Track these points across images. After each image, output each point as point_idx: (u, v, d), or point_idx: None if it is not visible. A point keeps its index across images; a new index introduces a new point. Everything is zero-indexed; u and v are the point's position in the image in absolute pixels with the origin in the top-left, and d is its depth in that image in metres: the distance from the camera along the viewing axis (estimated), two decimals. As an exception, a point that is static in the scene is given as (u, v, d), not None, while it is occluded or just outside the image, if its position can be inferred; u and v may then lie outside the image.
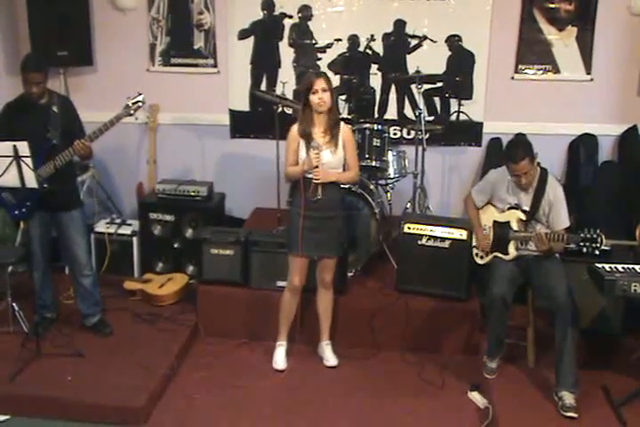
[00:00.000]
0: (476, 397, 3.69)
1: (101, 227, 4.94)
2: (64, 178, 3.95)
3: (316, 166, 3.62)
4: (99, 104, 5.05)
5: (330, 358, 4.02)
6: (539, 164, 3.78)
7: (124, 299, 4.64)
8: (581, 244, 3.43)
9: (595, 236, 3.39)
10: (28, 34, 4.92)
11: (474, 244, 4.06)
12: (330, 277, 3.92)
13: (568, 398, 3.50)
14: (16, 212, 3.85)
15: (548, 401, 3.59)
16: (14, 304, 4.09)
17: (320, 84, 3.63)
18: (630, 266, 3.44)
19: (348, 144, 3.79)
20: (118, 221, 5.02)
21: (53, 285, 4.28)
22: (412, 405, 3.69)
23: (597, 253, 3.41)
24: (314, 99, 3.64)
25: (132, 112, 3.97)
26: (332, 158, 3.72)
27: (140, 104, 3.99)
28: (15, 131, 3.73)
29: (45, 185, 3.79)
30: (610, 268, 3.41)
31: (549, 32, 5.14)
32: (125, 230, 4.93)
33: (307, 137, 3.68)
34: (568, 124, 5.22)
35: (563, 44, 5.15)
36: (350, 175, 3.83)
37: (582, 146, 5.20)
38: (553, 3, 5.08)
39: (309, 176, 3.67)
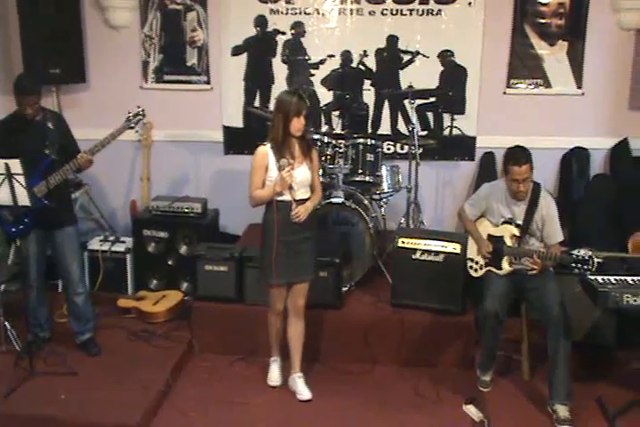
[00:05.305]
0: (471, 410, 3.68)
1: (95, 244, 4.92)
2: (61, 194, 3.96)
3: (290, 186, 3.54)
4: (92, 121, 5.08)
5: (303, 391, 3.80)
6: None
7: (118, 316, 4.61)
8: (573, 265, 3.43)
9: (587, 258, 3.38)
10: (20, 51, 4.93)
11: (468, 256, 4.06)
12: (302, 302, 3.77)
13: (562, 410, 3.51)
14: (13, 229, 3.84)
15: (544, 414, 3.59)
16: (7, 323, 4.06)
17: (305, 109, 3.54)
18: (622, 277, 3.44)
19: (315, 165, 3.73)
20: (112, 238, 5.00)
21: (47, 303, 4.25)
22: (408, 419, 3.66)
23: (589, 274, 3.41)
24: (297, 124, 3.53)
25: (132, 125, 4.09)
26: (308, 175, 3.62)
27: (141, 117, 4.10)
28: (12, 148, 3.72)
29: (45, 202, 3.79)
30: (603, 280, 3.42)
31: (540, 47, 5.20)
32: (119, 248, 4.91)
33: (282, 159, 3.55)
34: (560, 137, 5.27)
35: (554, 58, 5.21)
36: (319, 198, 3.79)
37: (574, 159, 5.25)
38: (544, 18, 5.15)
39: (280, 199, 3.58)
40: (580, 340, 3.94)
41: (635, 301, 3.26)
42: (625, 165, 5.17)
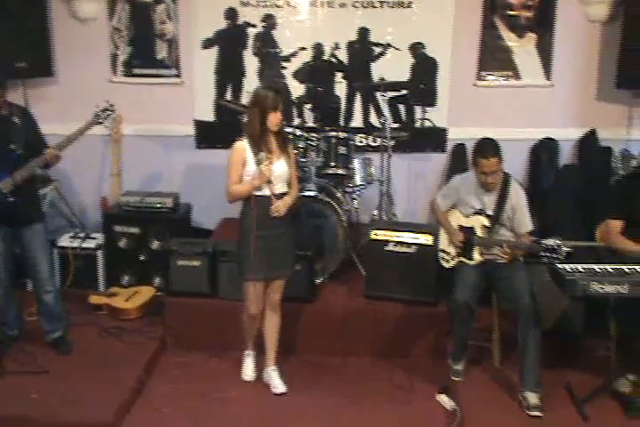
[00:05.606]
0: (444, 399, 3.73)
1: (65, 241, 4.86)
2: (28, 190, 3.88)
3: (269, 180, 3.53)
4: (60, 116, 5.01)
5: (278, 385, 3.82)
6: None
7: (89, 313, 4.57)
8: (542, 253, 3.48)
9: (555, 247, 3.44)
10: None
11: (440, 247, 4.08)
12: (279, 297, 3.78)
13: (532, 397, 3.57)
14: None
15: (514, 401, 3.64)
16: (-25, 322, 4.01)
17: (282, 103, 3.54)
18: (590, 266, 3.49)
19: (293, 160, 3.74)
20: (82, 234, 4.94)
21: (16, 301, 4.19)
22: (383, 409, 3.70)
23: (557, 262, 3.46)
24: (274, 118, 3.52)
25: (101, 120, 4.01)
26: (286, 169, 3.62)
27: (110, 112, 4.05)
28: None
29: (10, 198, 3.71)
30: (571, 268, 3.47)
31: (510, 39, 5.23)
32: (90, 244, 4.86)
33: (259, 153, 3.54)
34: (529, 128, 5.31)
35: (523, 50, 5.25)
36: (297, 192, 3.80)
37: (543, 150, 5.29)
38: (513, 10, 5.18)
39: (258, 193, 3.55)
40: (550, 328, 3.99)
41: (601, 288, 3.31)
42: (593, 155, 5.23)
